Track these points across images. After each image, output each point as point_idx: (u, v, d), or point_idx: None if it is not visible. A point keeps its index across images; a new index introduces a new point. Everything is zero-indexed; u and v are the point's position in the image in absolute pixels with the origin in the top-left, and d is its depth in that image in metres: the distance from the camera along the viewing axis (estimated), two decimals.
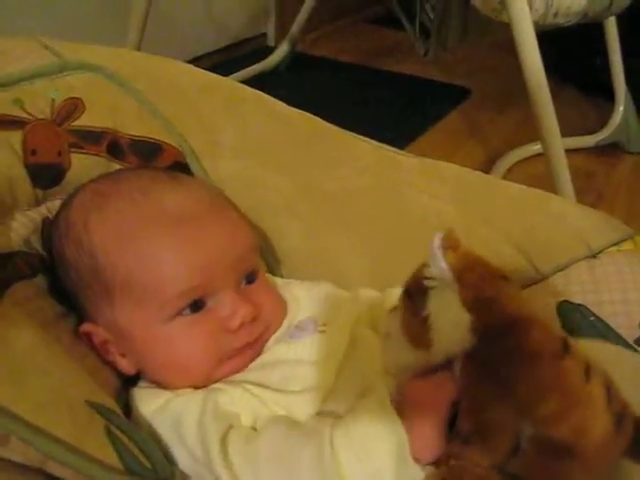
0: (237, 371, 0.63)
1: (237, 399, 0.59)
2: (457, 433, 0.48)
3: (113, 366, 0.64)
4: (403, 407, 0.52)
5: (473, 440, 0.46)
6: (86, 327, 0.63)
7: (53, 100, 0.72)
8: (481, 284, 0.47)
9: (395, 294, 0.73)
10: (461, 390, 0.47)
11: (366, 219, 0.83)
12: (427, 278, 0.50)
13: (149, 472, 0.52)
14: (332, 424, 0.53)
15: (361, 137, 0.88)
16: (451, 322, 0.48)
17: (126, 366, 0.64)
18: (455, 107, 2.02)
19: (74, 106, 0.73)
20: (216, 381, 0.62)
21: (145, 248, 0.61)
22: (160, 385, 0.63)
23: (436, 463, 0.50)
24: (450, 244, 0.49)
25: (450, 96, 2.10)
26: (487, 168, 1.61)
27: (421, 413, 0.51)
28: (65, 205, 0.68)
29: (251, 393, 0.59)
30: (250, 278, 0.66)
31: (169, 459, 0.57)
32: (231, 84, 0.91)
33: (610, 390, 0.45)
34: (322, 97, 2.01)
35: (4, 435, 0.47)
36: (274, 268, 0.83)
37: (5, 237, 0.65)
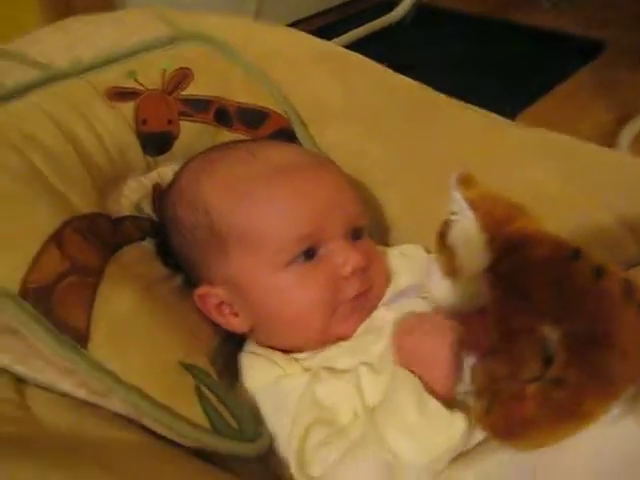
0: (347, 333, 0.65)
1: (338, 392, 0.59)
2: (489, 347, 0.50)
3: (226, 326, 0.68)
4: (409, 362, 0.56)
5: (500, 350, 0.49)
6: (202, 290, 0.67)
7: (164, 70, 0.75)
8: (494, 208, 0.53)
9: None
10: (489, 305, 0.50)
11: None
12: (451, 214, 0.55)
13: (234, 432, 0.56)
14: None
15: (468, 106, 0.86)
16: (470, 243, 0.53)
17: (239, 325, 0.67)
18: (587, 63, 1.91)
19: (183, 76, 0.76)
20: (328, 342, 0.64)
21: (258, 199, 0.64)
22: (272, 346, 0.66)
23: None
24: (464, 180, 0.56)
25: (582, 51, 1.98)
26: (617, 132, 1.51)
27: (426, 367, 0.55)
28: (176, 175, 0.72)
29: (353, 385, 0.59)
30: (357, 234, 0.68)
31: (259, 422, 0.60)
32: (341, 52, 0.91)
33: (630, 285, 0.46)
34: (447, 51, 1.97)
35: (105, 390, 0.52)
36: (376, 236, 0.84)
37: (117, 203, 0.70)
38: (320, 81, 0.88)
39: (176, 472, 0.50)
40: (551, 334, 0.47)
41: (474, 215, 0.53)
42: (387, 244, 0.84)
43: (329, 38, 1.22)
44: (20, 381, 0.52)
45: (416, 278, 0.69)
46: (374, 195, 0.85)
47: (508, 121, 0.85)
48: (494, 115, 0.85)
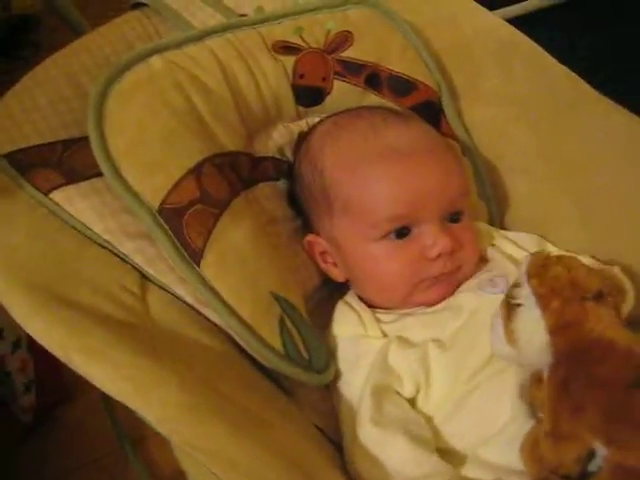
0: (428, 302, 0.71)
1: (403, 363, 0.66)
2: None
3: (327, 273, 0.77)
4: None
5: (549, 438, 0.50)
6: (310, 237, 0.77)
7: (328, 31, 0.83)
8: (563, 309, 0.51)
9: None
10: (546, 395, 0.52)
11: (598, 193, 0.82)
12: (515, 297, 0.55)
13: (304, 361, 0.66)
14: None
15: (621, 109, 0.85)
16: (532, 340, 0.53)
17: (337, 274, 0.77)
18: None
19: (345, 38, 0.83)
20: (410, 306, 0.72)
21: (366, 176, 0.71)
22: (362, 298, 0.75)
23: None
24: (535, 271, 0.54)
25: None
26: None
27: None
28: (308, 132, 0.81)
29: (419, 358, 0.66)
30: (455, 218, 0.73)
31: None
32: (510, 31, 0.92)
33: None
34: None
35: (206, 301, 0.64)
36: (495, 218, 0.88)
37: (263, 144, 0.80)
38: (481, 56, 0.91)
39: (243, 383, 0.62)
40: (600, 449, 0.47)
41: (541, 313, 0.53)
42: (505, 227, 0.88)
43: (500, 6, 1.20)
44: (145, 279, 0.65)
45: (512, 272, 0.71)
46: (503, 178, 0.88)
47: None
48: None
